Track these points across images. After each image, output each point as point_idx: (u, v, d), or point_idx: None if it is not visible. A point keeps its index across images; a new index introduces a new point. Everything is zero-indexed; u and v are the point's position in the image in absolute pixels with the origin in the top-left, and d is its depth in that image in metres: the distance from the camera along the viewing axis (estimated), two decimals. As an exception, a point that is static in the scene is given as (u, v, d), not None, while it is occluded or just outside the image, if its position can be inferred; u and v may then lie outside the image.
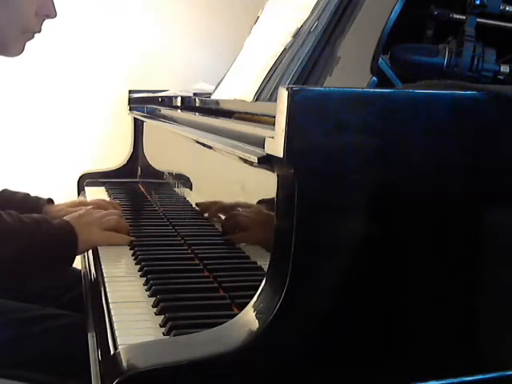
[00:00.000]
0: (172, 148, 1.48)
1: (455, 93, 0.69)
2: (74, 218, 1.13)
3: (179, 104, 1.50)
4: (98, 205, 1.35)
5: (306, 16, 1.07)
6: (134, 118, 1.91)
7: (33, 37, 1.22)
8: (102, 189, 1.77)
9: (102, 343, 0.78)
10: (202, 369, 0.63)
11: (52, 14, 1.21)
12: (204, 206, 1.19)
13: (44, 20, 1.21)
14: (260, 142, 0.69)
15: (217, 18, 2.37)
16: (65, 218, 1.13)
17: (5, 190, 1.41)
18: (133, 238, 1.16)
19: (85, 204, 1.37)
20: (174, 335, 0.74)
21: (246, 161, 0.84)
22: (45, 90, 2.31)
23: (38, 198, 1.41)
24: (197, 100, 1.41)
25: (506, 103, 0.69)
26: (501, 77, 0.93)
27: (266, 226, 0.85)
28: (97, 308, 0.89)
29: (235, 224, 1.00)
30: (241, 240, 0.96)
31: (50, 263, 1.09)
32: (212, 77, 1.50)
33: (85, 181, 1.83)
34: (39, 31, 1.22)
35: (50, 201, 1.43)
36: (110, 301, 0.88)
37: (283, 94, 0.62)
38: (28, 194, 1.41)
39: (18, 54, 1.22)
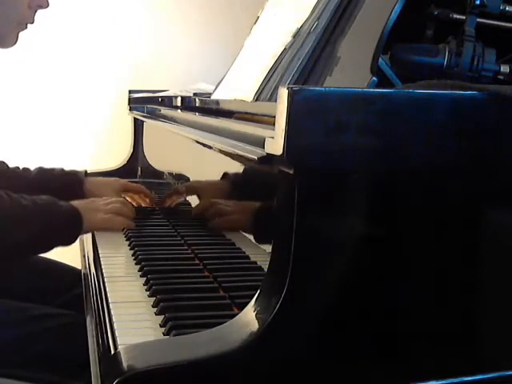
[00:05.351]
0: (172, 148, 1.48)
1: (455, 93, 0.69)
2: (80, 203, 1.21)
3: (179, 104, 1.50)
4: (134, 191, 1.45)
5: (306, 16, 1.07)
6: (134, 118, 1.91)
7: (26, 27, 1.24)
8: (102, 189, 1.77)
9: (102, 343, 0.78)
10: (202, 369, 0.63)
11: (44, 4, 1.23)
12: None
13: (37, 11, 1.23)
14: (260, 142, 0.69)
15: (217, 18, 2.37)
16: (72, 202, 1.19)
17: (41, 168, 1.47)
18: (133, 224, 1.25)
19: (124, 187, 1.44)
20: (174, 335, 0.74)
21: (246, 161, 0.84)
22: (45, 90, 2.31)
23: (74, 173, 1.48)
24: (197, 100, 1.41)
25: (506, 103, 0.69)
26: (501, 77, 0.93)
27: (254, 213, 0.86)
28: (97, 308, 0.89)
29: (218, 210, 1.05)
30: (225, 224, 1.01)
31: (57, 240, 1.17)
32: (212, 77, 1.50)
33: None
34: (32, 22, 1.24)
35: (86, 173, 1.52)
36: (110, 301, 0.88)
37: (283, 94, 0.62)
38: (63, 169, 1.48)
39: (12, 45, 1.24)
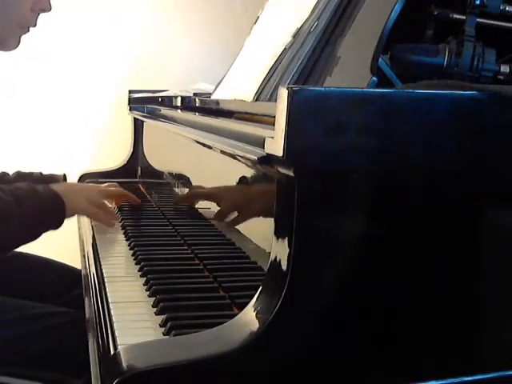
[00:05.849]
0: (172, 148, 1.48)
1: (455, 93, 0.69)
2: (61, 188, 1.18)
3: (179, 104, 1.50)
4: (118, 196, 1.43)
5: (306, 16, 1.07)
6: (134, 118, 1.91)
7: (28, 31, 1.23)
8: (102, 189, 1.77)
9: (102, 343, 0.78)
10: (202, 369, 0.63)
11: (47, 8, 1.23)
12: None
13: (39, 14, 1.23)
14: (260, 142, 0.69)
15: (217, 18, 2.37)
16: (54, 187, 1.17)
17: (19, 172, 1.46)
18: (114, 224, 1.25)
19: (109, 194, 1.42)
20: (174, 335, 0.74)
21: (246, 161, 0.84)
22: (45, 90, 2.31)
23: (52, 177, 1.48)
24: (197, 100, 1.41)
25: (506, 103, 0.69)
26: (501, 77, 0.93)
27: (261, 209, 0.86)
28: (97, 308, 0.89)
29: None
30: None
31: (41, 229, 1.14)
32: (212, 77, 1.50)
33: (85, 181, 1.83)
34: (34, 25, 1.24)
35: (65, 177, 1.51)
36: (109, 301, 0.88)
37: (283, 94, 0.62)
38: (41, 173, 1.48)
39: (14, 48, 1.24)
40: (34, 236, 1.15)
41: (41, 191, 1.14)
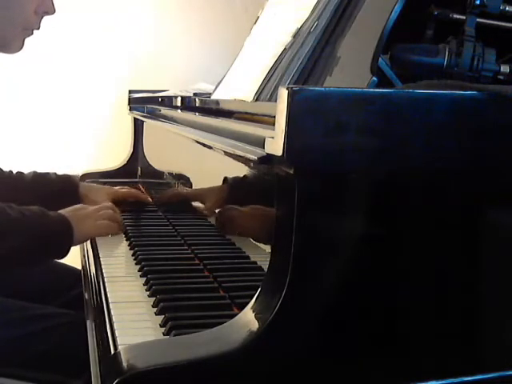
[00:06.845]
0: (172, 148, 1.48)
1: (455, 93, 0.69)
2: (70, 212, 1.17)
3: (179, 104, 1.50)
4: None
5: (306, 16, 1.07)
6: (134, 118, 1.91)
7: (32, 33, 1.24)
8: (102, 189, 1.77)
9: (102, 343, 0.78)
10: (202, 369, 0.63)
11: (51, 10, 1.23)
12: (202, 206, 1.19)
13: (43, 17, 1.23)
14: (260, 142, 0.69)
15: (217, 18, 2.37)
16: (61, 211, 1.16)
17: (35, 172, 1.45)
18: (122, 229, 1.23)
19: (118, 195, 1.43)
20: (174, 335, 0.74)
21: (246, 161, 0.84)
22: (45, 90, 2.31)
23: (68, 177, 1.48)
24: (197, 100, 1.41)
25: (506, 103, 0.69)
26: (501, 77, 0.93)
27: (261, 219, 0.86)
28: (97, 308, 0.89)
29: (228, 217, 1.02)
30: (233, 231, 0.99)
31: (47, 253, 1.14)
32: (212, 77, 1.50)
33: (85, 181, 1.83)
34: (38, 28, 1.24)
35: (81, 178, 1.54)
36: (110, 301, 0.88)
37: (283, 94, 0.62)
38: (56, 174, 1.47)
39: (18, 51, 1.24)
40: (33, 260, 1.13)
41: (51, 214, 1.12)
